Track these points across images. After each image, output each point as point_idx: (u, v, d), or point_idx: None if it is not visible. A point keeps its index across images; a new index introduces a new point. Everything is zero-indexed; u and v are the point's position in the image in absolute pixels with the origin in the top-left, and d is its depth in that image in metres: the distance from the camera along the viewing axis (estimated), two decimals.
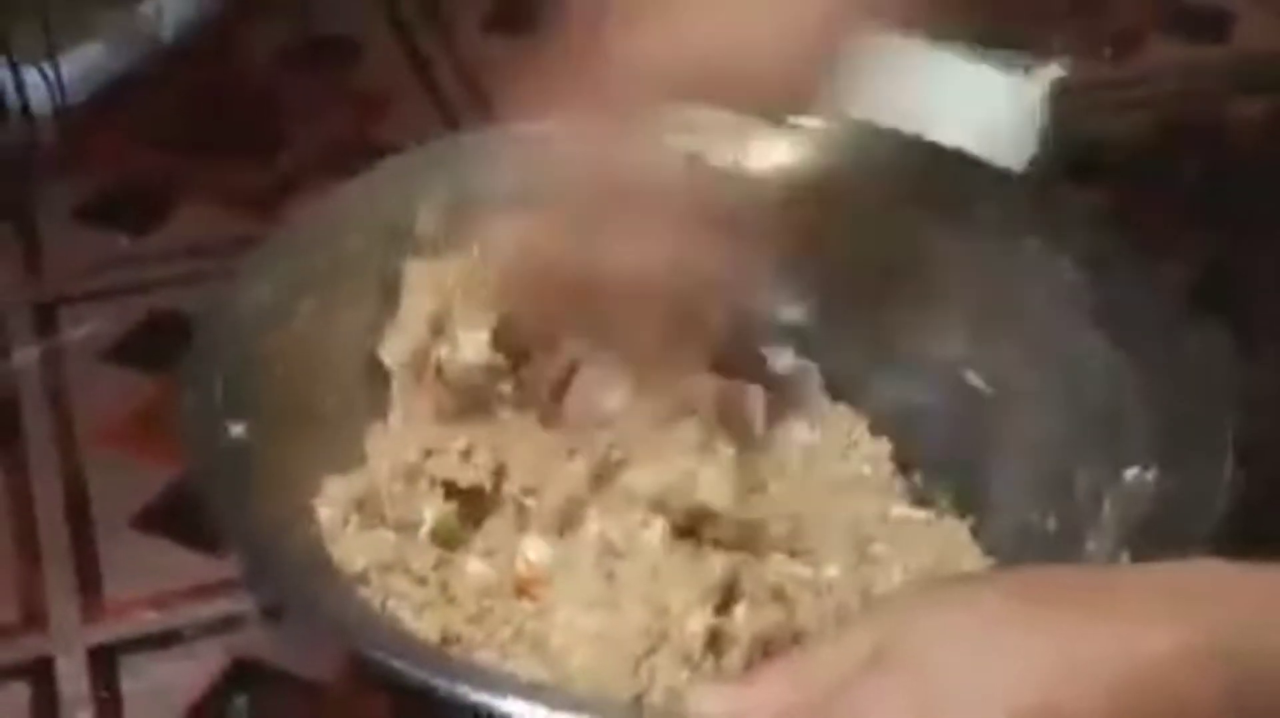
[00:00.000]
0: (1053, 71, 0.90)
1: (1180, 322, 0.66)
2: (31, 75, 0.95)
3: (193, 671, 0.68)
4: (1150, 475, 0.62)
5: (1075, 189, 0.90)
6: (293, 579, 0.60)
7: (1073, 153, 0.91)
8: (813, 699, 0.49)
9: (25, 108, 0.96)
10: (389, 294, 0.71)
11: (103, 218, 0.91)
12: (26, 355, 0.83)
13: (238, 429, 0.63)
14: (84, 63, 0.98)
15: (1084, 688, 0.46)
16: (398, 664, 0.55)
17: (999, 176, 0.75)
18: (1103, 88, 1.02)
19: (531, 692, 0.54)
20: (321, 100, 1.00)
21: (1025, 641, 0.48)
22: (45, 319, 0.85)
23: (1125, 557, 0.60)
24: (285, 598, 0.63)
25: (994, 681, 0.47)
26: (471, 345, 0.70)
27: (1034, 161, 0.89)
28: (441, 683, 0.53)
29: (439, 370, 0.70)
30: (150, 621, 0.70)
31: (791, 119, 0.74)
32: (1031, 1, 0.94)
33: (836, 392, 0.75)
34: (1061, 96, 0.90)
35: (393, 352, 0.71)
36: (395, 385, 0.70)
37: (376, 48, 1.05)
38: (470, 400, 0.70)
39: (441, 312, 0.71)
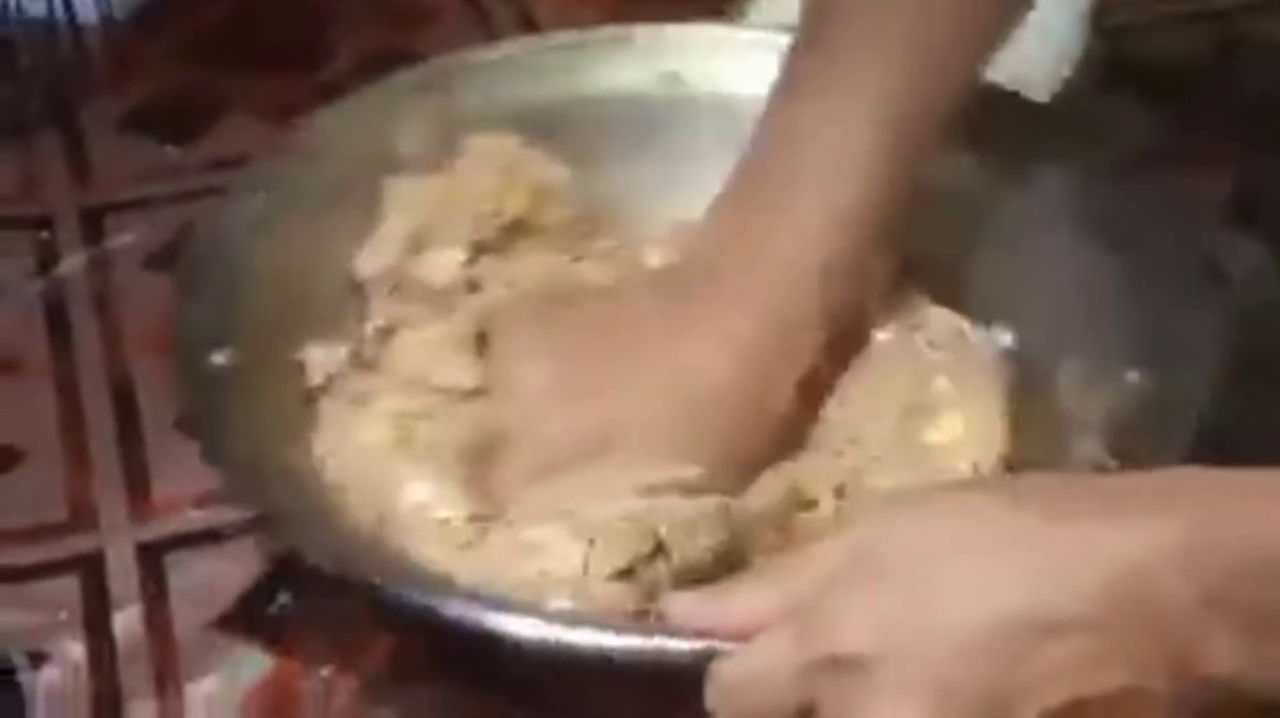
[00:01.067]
0: None
1: (1179, 230, 0.66)
2: None
3: (237, 568, 0.70)
4: (1132, 378, 0.62)
5: (1122, 107, 0.90)
6: (276, 504, 0.61)
7: (1123, 69, 0.91)
8: (790, 607, 0.50)
9: (73, 20, 0.96)
10: (374, 214, 0.72)
11: (148, 128, 0.93)
12: (74, 262, 0.84)
13: (220, 359, 0.64)
14: None
15: (1068, 591, 0.47)
16: (385, 594, 0.56)
17: (1028, 104, 0.74)
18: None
19: (529, 610, 0.55)
20: (364, 13, 1.01)
21: (1008, 544, 0.48)
22: (92, 227, 0.86)
23: (1113, 464, 0.60)
24: (270, 523, 0.63)
25: (977, 583, 0.47)
26: (442, 264, 0.71)
27: (1075, 81, 0.88)
28: (421, 604, 0.55)
29: (413, 286, 0.71)
30: (196, 519, 0.72)
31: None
32: None
33: None
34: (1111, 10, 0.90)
35: (367, 266, 0.71)
36: (371, 298, 0.71)
37: None
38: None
39: (420, 229, 0.71)
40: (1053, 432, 0.64)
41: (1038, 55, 0.86)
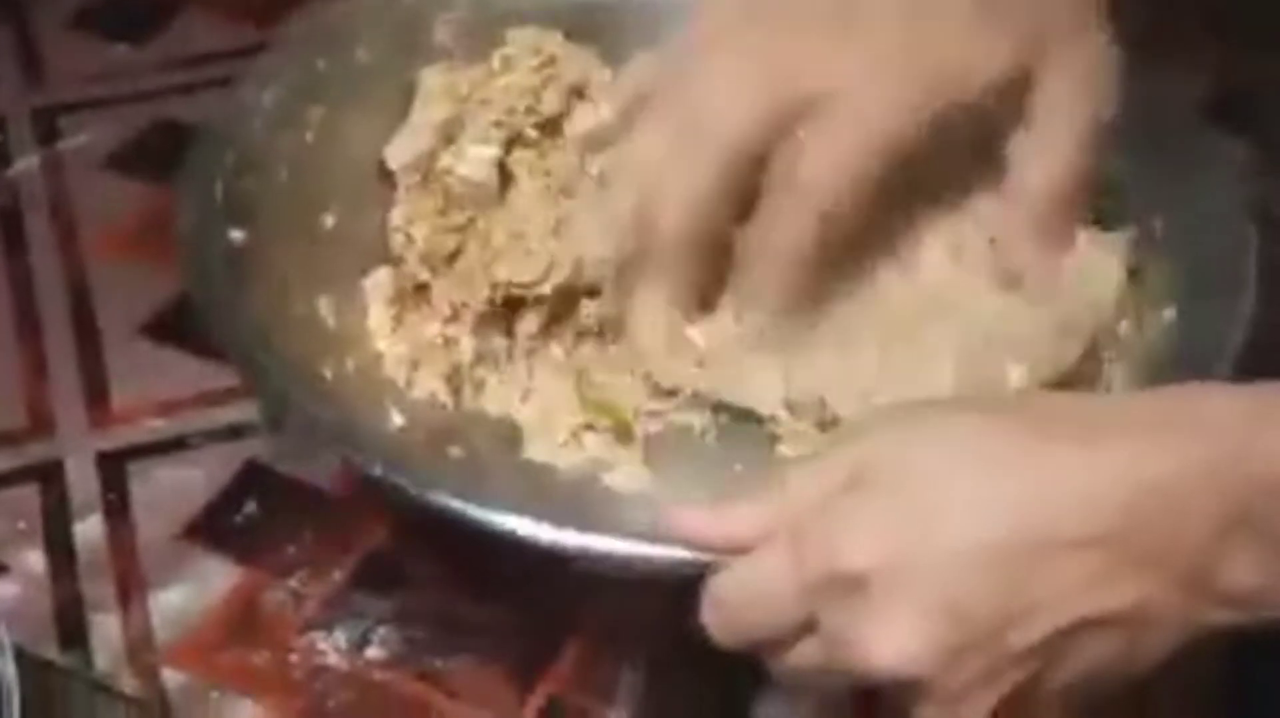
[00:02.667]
0: None
1: (1202, 160, 0.64)
2: None
3: (201, 477, 0.69)
4: (1168, 314, 0.61)
5: None
6: (285, 387, 0.59)
7: None
8: (792, 522, 0.48)
9: None
10: (403, 106, 0.70)
11: (102, 26, 0.90)
12: (27, 163, 0.82)
13: (237, 235, 0.62)
14: None
15: (1083, 507, 0.45)
16: (387, 476, 0.55)
17: None
18: None
19: (521, 508, 0.54)
20: None
21: (1020, 462, 0.47)
22: (45, 127, 0.84)
23: None
24: (276, 406, 0.62)
25: (986, 500, 0.46)
26: (477, 158, 0.69)
27: None
28: (427, 495, 0.54)
29: (443, 177, 0.69)
30: (158, 428, 0.71)
31: None
32: None
33: None
34: None
35: (398, 154, 0.69)
36: (399, 188, 0.70)
37: None
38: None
39: (453, 120, 0.70)
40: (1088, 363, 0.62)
41: None
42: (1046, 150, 0.60)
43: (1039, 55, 0.59)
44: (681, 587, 0.50)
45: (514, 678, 0.62)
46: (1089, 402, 0.54)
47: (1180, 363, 0.59)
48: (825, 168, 0.57)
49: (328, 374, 0.63)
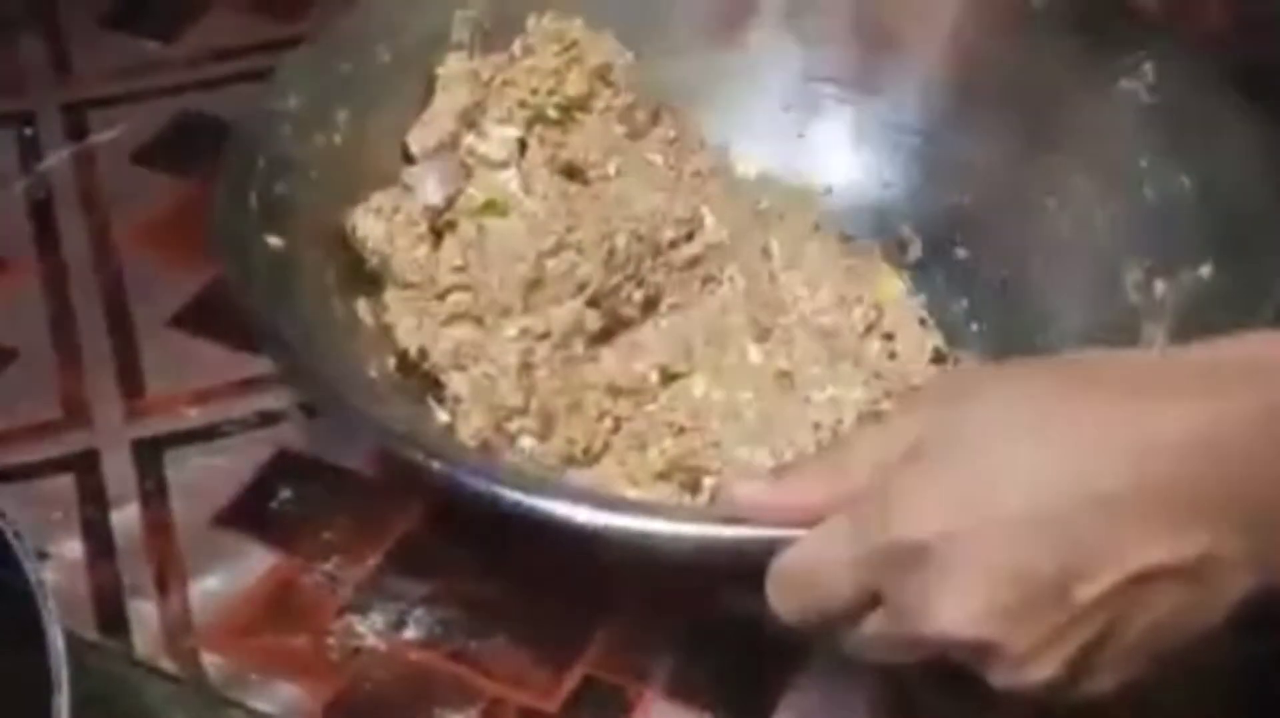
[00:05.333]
0: None
1: (1235, 118, 0.65)
2: None
3: (235, 464, 0.69)
4: (1205, 272, 0.62)
5: None
6: (326, 380, 0.60)
7: None
8: (852, 491, 0.48)
9: None
10: (426, 98, 0.71)
11: (129, 24, 0.91)
12: (58, 157, 0.83)
13: (275, 241, 0.63)
14: None
15: (1140, 464, 0.45)
16: (429, 464, 0.55)
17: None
18: None
19: (563, 492, 0.55)
20: None
21: (1073, 423, 0.46)
22: (75, 122, 0.85)
23: None
24: (319, 398, 0.63)
25: (1042, 462, 0.46)
26: (500, 139, 0.70)
27: None
28: (468, 482, 0.55)
29: (465, 158, 0.70)
30: (192, 416, 0.71)
31: None
32: None
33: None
34: None
35: (421, 140, 0.70)
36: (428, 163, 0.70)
37: None
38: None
39: (474, 105, 0.71)
40: (1121, 331, 0.63)
41: None
42: None
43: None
44: (711, 566, 0.51)
45: (549, 658, 0.62)
46: (1136, 357, 0.54)
47: (1220, 318, 0.60)
48: None
49: (373, 374, 0.64)
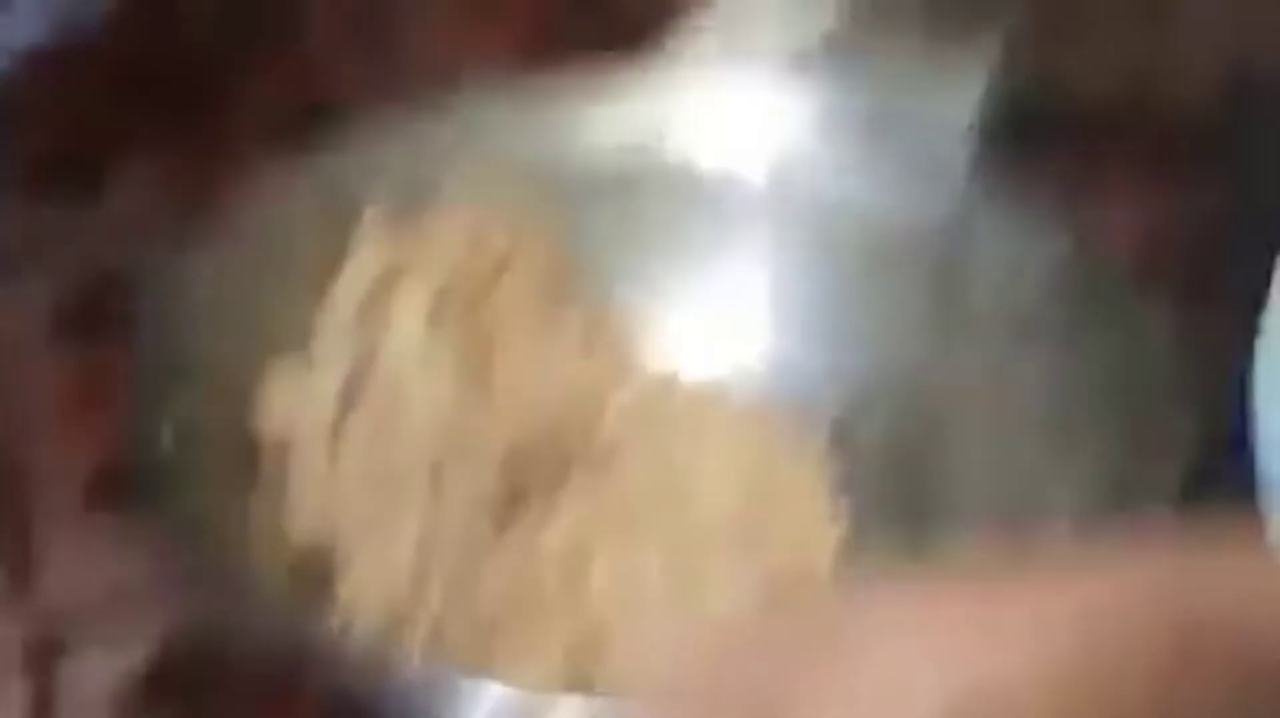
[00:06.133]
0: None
1: (1132, 310, 0.65)
2: None
3: (129, 661, 0.68)
4: (1105, 472, 0.62)
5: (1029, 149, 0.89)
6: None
7: (1030, 106, 0.90)
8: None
9: None
10: (338, 267, 0.70)
11: (42, 187, 0.90)
12: None
13: (167, 434, 0.63)
14: (21, 24, 0.96)
15: (1042, 656, 0.45)
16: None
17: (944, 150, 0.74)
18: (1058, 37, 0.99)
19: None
20: (260, 60, 0.99)
21: (963, 622, 0.45)
22: None
23: None
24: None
25: (928, 662, 0.45)
26: (408, 321, 0.69)
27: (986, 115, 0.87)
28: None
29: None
30: (86, 612, 0.70)
31: None
32: None
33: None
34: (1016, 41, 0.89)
35: (331, 314, 0.70)
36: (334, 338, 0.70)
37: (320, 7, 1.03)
38: None
39: (384, 284, 0.70)
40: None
41: None
42: None
43: None
44: None
45: None
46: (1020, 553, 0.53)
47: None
48: None
49: (263, 578, 0.63)
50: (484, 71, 0.93)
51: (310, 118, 0.92)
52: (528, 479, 0.67)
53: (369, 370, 0.68)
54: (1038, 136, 0.89)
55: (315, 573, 0.65)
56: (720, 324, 0.76)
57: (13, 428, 0.77)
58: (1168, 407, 0.63)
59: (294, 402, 0.66)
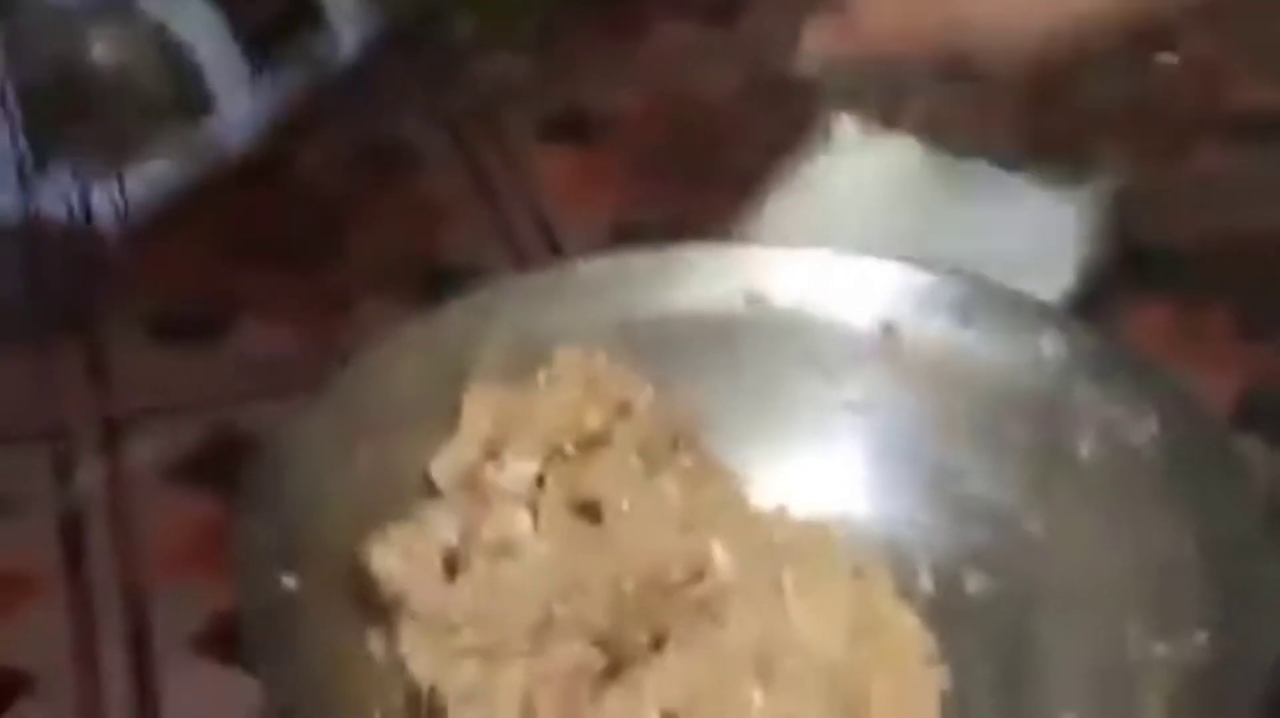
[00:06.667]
0: (1106, 181, 0.91)
1: (1240, 470, 0.66)
2: (96, 190, 0.97)
3: None
4: (1201, 639, 0.62)
5: (1134, 306, 0.90)
6: None
7: (1135, 264, 0.91)
8: None
9: (90, 221, 0.97)
10: (446, 430, 0.72)
11: (165, 334, 0.93)
12: (91, 474, 0.84)
13: (289, 581, 0.64)
14: (149, 177, 0.99)
15: None
16: None
17: (1047, 308, 0.76)
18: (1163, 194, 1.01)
19: None
20: (380, 212, 1.02)
21: None
22: (110, 437, 0.87)
23: None
24: None
25: None
26: (518, 474, 0.71)
27: (1089, 277, 0.89)
28: None
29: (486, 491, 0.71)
30: None
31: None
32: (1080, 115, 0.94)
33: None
34: (1119, 205, 0.91)
35: (443, 469, 0.72)
36: (445, 500, 0.72)
37: (435, 157, 1.06)
38: None
39: (496, 436, 0.72)
40: (1121, 687, 0.64)
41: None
42: None
43: None
44: None
45: None
46: None
47: (1214, 688, 0.60)
48: None
49: (376, 715, 0.64)
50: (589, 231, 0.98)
51: (423, 273, 0.96)
52: (632, 634, 0.68)
53: (477, 532, 0.69)
54: (1138, 290, 0.91)
55: (430, 711, 0.66)
56: (826, 474, 0.77)
57: (136, 570, 0.79)
58: (1270, 560, 0.64)
59: (405, 563, 0.68)
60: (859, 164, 0.94)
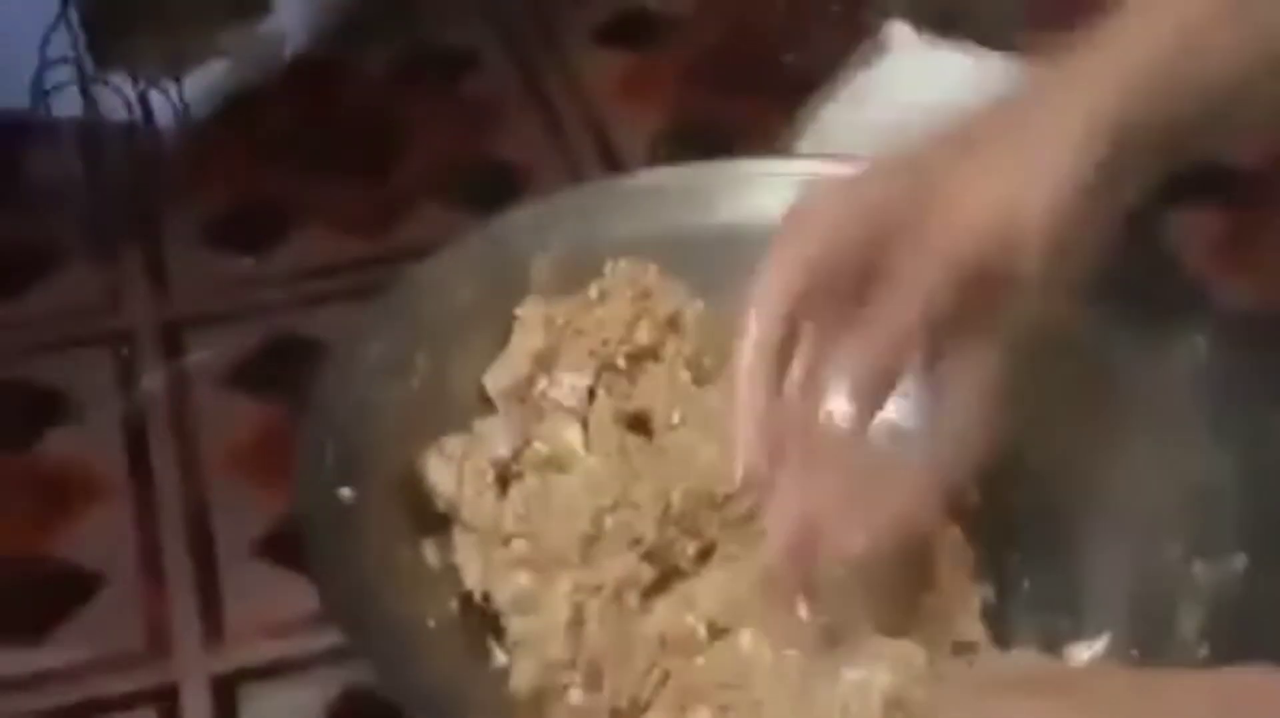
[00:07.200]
0: None
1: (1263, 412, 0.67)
2: (156, 92, 0.98)
3: (308, 700, 0.72)
4: (1239, 562, 0.63)
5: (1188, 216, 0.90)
6: (379, 642, 0.64)
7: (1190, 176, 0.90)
8: None
9: (150, 124, 0.99)
10: (503, 341, 0.74)
11: (225, 239, 0.94)
12: (153, 380, 0.86)
13: (346, 493, 0.66)
14: (207, 80, 1.00)
15: None
16: None
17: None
18: None
19: None
20: (435, 116, 1.02)
21: None
22: (171, 342, 0.88)
23: (1205, 649, 0.61)
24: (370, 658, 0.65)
25: None
26: (570, 387, 0.73)
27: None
28: None
29: (541, 402, 0.73)
30: (268, 650, 0.74)
31: None
32: None
33: None
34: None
35: (497, 381, 0.74)
36: (500, 413, 0.73)
37: (489, 60, 1.07)
38: None
39: (549, 349, 0.74)
40: (1158, 606, 0.65)
41: None
42: None
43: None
44: None
45: None
46: (1142, 680, 0.56)
47: (1253, 610, 0.61)
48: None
49: (431, 623, 0.67)
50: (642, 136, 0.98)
51: (478, 177, 0.97)
52: (680, 547, 0.69)
53: (529, 445, 0.71)
54: (1193, 202, 0.90)
55: (484, 617, 0.69)
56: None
57: (198, 474, 0.81)
58: None
59: (459, 475, 0.69)
60: (912, 71, 0.95)
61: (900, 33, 0.94)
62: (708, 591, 0.70)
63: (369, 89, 1.05)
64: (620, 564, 0.68)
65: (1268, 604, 0.61)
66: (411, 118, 1.02)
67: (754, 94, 1.00)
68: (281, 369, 0.86)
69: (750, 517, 0.71)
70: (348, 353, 0.72)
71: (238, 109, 1.01)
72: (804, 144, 0.90)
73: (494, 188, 0.95)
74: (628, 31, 1.08)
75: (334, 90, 1.04)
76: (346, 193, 0.97)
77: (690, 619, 0.68)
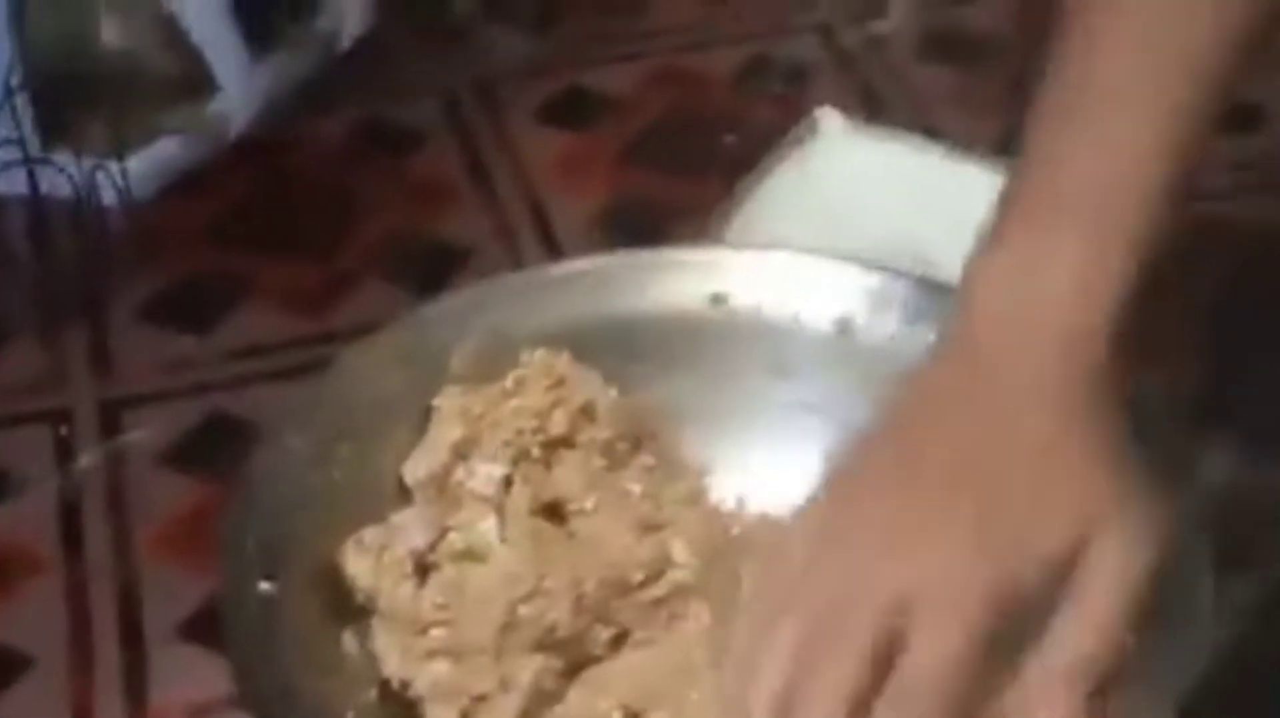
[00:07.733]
0: None
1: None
2: (101, 172, 0.99)
3: None
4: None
5: None
6: None
7: None
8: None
9: (95, 203, 1.00)
10: (423, 430, 0.75)
11: (167, 317, 0.96)
12: (91, 458, 0.88)
13: (265, 586, 0.68)
14: (153, 159, 1.02)
15: None
16: None
17: None
18: None
19: None
20: (380, 194, 1.04)
21: None
22: (110, 421, 0.90)
23: None
24: None
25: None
26: (486, 476, 0.74)
27: None
28: None
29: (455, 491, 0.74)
30: None
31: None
32: None
33: None
34: None
35: (415, 472, 0.74)
36: (417, 504, 0.74)
37: (435, 138, 1.08)
38: None
39: (466, 439, 0.75)
40: None
41: None
42: (1083, 621, 0.57)
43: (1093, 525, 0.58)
44: None
45: None
46: None
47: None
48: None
49: (350, 714, 0.68)
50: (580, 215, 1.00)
51: (418, 256, 0.99)
52: (594, 633, 0.71)
53: (446, 536, 0.72)
54: None
55: (402, 705, 0.70)
56: (784, 465, 0.79)
57: (130, 554, 0.83)
58: None
59: (377, 566, 0.71)
60: (845, 156, 0.96)
61: (828, 118, 0.95)
62: (622, 676, 0.71)
63: (315, 167, 1.06)
64: (532, 659, 0.69)
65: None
66: (357, 196, 1.04)
67: (694, 174, 1.02)
68: (217, 448, 0.88)
69: (663, 602, 0.73)
70: (273, 441, 0.74)
71: (183, 187, 1.03)
72: (734, 226, 0.92)
73: (435, 267, 0.97)
74: (569, 111, 1.09)
75: (280, 169, 1.06)
76: (290, 271, 0.98)
77: (603, 706, 0.70)
